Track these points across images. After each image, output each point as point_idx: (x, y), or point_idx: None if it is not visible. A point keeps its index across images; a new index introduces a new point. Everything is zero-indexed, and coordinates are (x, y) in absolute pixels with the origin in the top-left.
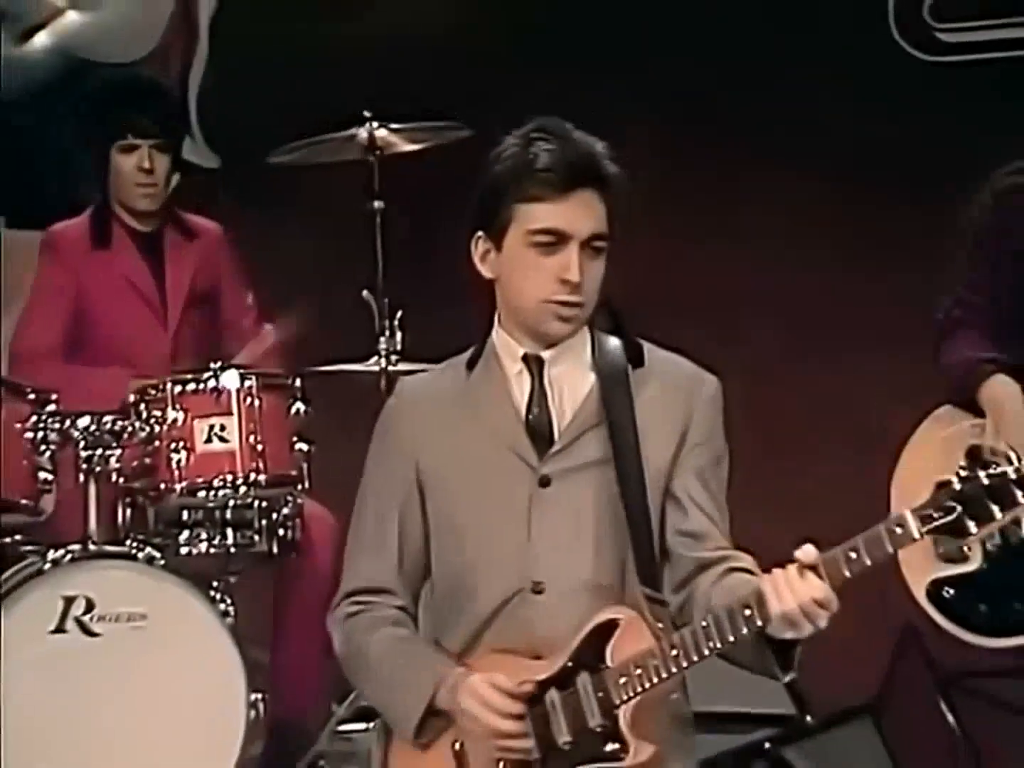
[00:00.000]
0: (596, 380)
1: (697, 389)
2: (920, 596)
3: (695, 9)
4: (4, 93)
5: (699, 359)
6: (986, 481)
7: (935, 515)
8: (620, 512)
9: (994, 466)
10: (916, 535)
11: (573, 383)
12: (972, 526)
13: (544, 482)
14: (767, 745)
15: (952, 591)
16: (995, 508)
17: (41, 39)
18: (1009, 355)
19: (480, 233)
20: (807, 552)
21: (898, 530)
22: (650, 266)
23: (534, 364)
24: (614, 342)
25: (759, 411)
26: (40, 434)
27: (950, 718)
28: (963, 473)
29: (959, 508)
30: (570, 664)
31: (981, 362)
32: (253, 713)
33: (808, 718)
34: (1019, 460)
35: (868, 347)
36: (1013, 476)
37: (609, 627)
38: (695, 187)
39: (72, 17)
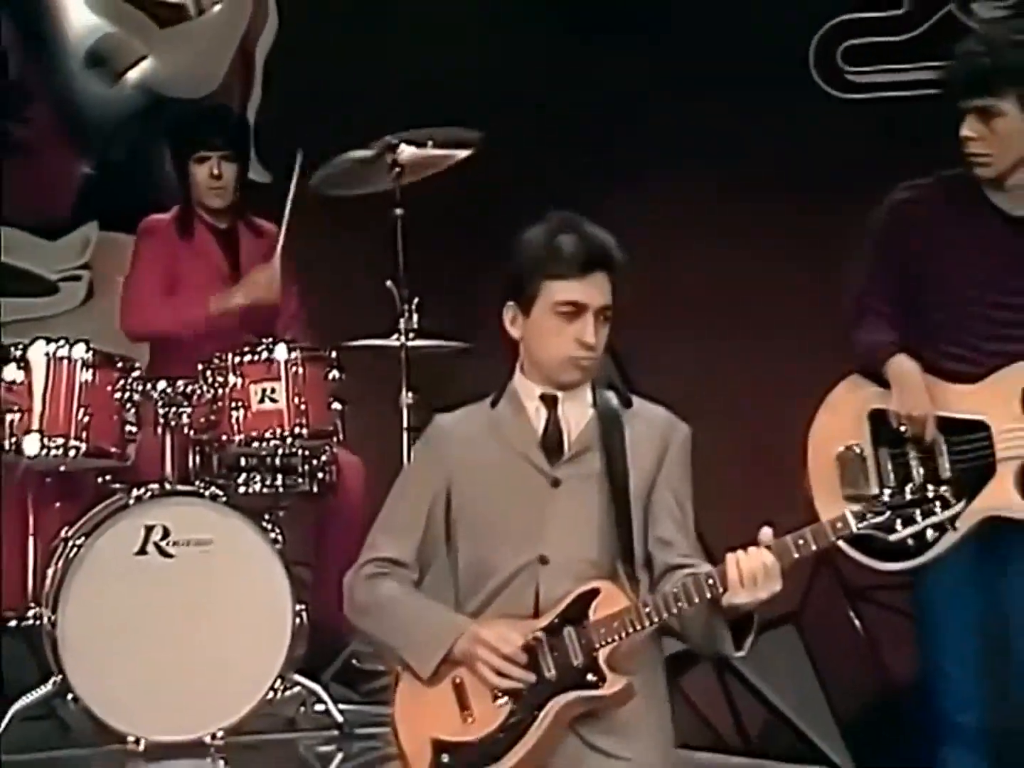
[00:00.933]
0: (595, 414)
1: (673, 431)
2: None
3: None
4: (100, 121)
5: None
6: (909, 496)
7: (869, 516)
8: (611, 511)
9: (915, 481)
10: (854, 530)
11: (578, 417)
12: (899, 525)
13: (555, 483)
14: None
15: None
16: (919, 516)
17: (128, 80)
18: (903, 337)
19: (511, 303)
20: (765, 533)
21: (839, 525)
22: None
23: (550, 401)
24: (610, 391)
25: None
26: (126, 395)
27: (857, 624)
28: (887, 481)
29: (889, 512)
30: (557, 620)
31: (886, 343)
32: (298, 620)
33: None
34: (924, 429)
35: (803, 324)
36: (931, 494)
37: (592, 593)
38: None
39: (151, 62)
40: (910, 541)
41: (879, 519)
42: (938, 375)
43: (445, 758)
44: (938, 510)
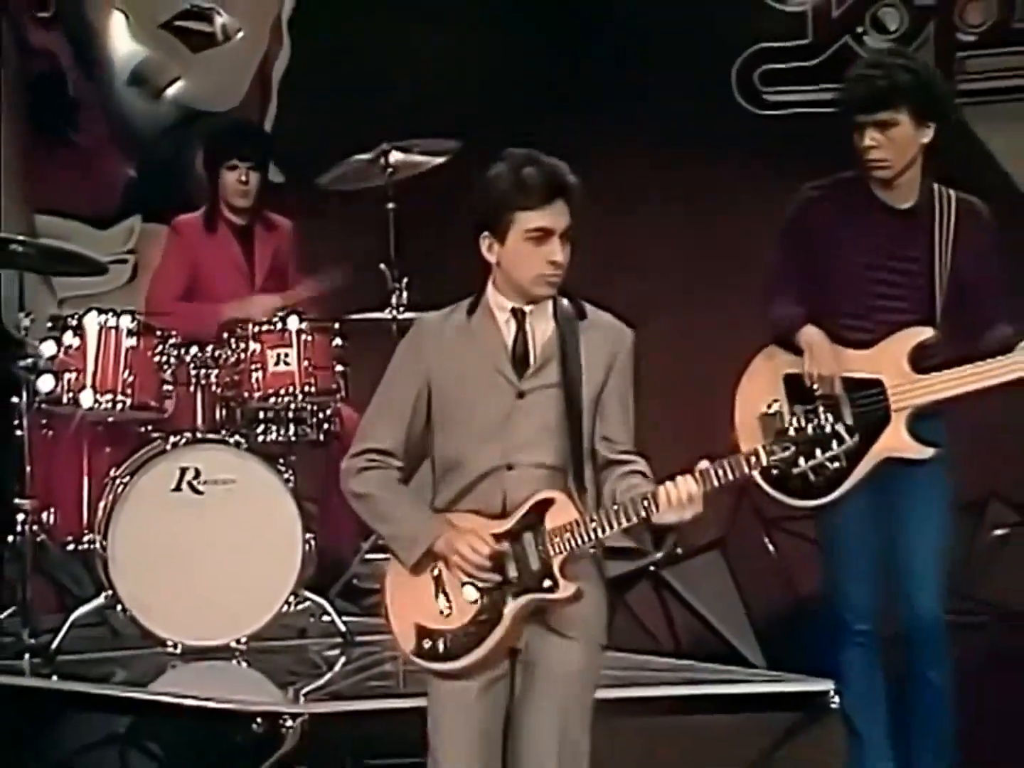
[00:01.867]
0: (555, 327)
1: (621, 337)
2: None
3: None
4: (142, 131)
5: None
6: (811, 433)
7: (777, 450)
8: (566, 420)
9: (817, 420)
10: (764, 463)
11: (542, 329)
12: (802, 461)
13: (520, 395)
14: (651, 568)
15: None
16: (818, 451)
17: (166, 96)
18: (810, 311)
19: (486, 233)
20: (702, 464)
21: (752, 459)
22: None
23: (519, 314)
24: (566, 302)
25: (662, 349)
26: (164, 358)
27: (771, 549)
28: (796, 425)
29: (793, 448)
30: (518, 526)
31: (796, 316)
32: (307, 547)
33: (679, 551)
34: (832, 386)
35: (730, 307)
36: (829, 431)
37: (548, 502)
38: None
39: (185, 81)
40: (811, 476)
41: (785, 454)
42: (838, 342)
43: (427, 643)
44: (834, 446)
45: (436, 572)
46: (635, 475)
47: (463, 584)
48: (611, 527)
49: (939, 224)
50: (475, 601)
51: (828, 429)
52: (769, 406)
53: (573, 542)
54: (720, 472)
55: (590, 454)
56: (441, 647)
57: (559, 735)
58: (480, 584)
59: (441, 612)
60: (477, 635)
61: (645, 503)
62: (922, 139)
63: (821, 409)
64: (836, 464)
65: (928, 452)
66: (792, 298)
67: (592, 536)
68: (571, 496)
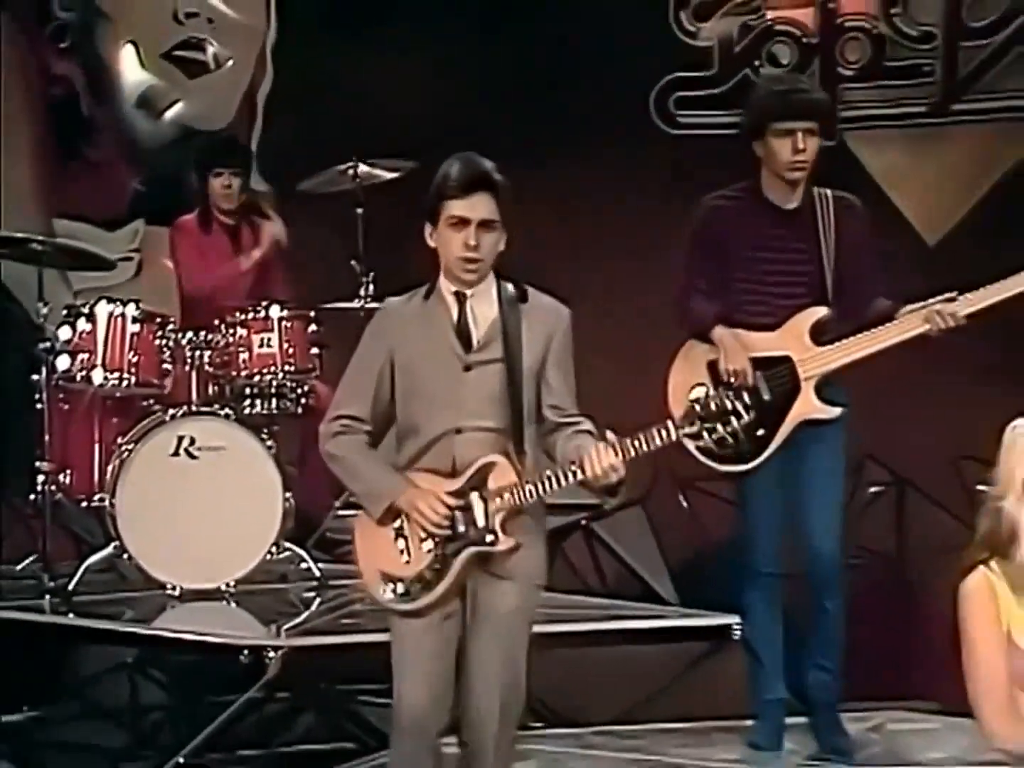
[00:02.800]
0: (498, 309)
1: (558, 317)
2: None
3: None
4: (145, 147)
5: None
6: (713, 407)
7: (684, 426)
8: (508, 391)
9: (719, 400)
10: (674, 437)
11: (484, 310)
12: (705, 435)
13: (467, 368)
14: (583, 522)
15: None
16: (719, 426)
17: (167, 116)
18: (721, 305)
19: (428, 223)
20: (611, 436)
21: (664, 432)
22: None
23: (461, 297)
24: (510, 287)
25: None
26: (163, 342)
27: (685, 505)
28: (700, 403)
29: (698, 424)
30: (466, 486)
31: (709, 316)
32: (287, 503)
33: (606, 506)
34: (746, 377)
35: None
36: (729, 408)
37: (490, 465)
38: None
39: (183, 104)
40: (714, 448)
41: (691, 428)
42: (748, 327)
43: (388, 586)
44: (733, 422)
45: (398, 524)
46: (582, 434)
47: (421, 536)
48: (546, 490)
49: (821, 219)
50: (430, 551)
51: (729, 407)
52: (693, 388)
53: (512, 501)
54: (636, 444)
55: (531, 419)
56: (400, 590)
57: (502, 663)
58: (437, 536)
59: (401, 559)
60: (430, 580)
61: (573, 470)
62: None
63: (731, 393)
64: (741, 435)
65: (836, 411)
66: (704, 295)
67: (528, 497)
68: (511, 459)
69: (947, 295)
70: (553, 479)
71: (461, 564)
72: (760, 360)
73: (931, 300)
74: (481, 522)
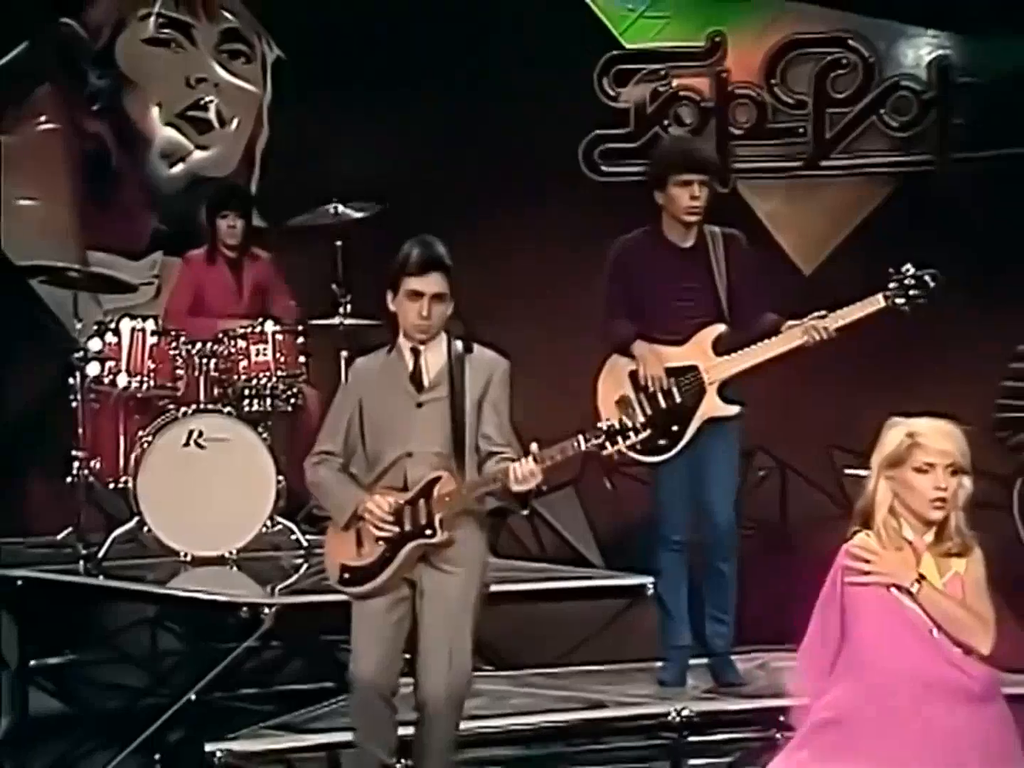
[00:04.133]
0: (446, 360)
1: (496, 365)
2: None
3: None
4: (163, 191)
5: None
6: (617, 425)
7: (591, 438)
8: (452, 424)
9: (625, 416)
10: (583, 448)
11: (435, 360)
12: (608, 445)
13: (419, 405)
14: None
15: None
16: (619, 439)
17: (180, 166)
18: (638, 327)
19: (389, 291)
20: (533, 447)
21: (575, 444)
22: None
23: (416, 351)
24: (459, 342)
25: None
26: (176, 351)
27: (609, 486)
28: (609, 424)
29: (603, 437)
30: (415, 495)
31: (629, 335)
32: (279, 486)
33: (544, 488)
34: (662, 383)
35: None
36: (630, 424)
37: (437, 479)
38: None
39: (197, 154)
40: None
41: (596, 441)
42: (661, 343)
43: (346, 575)
44: (632, 436)
45: (358, 528)
46: (505, 461)
47: (375, 536)
48: (477, 494)
49: (713, 253)
50: (381, 545)
51: (629, 426)
52: (621, 397)
53: (451, 504)
54: (553, 454)
55: (472, 448)
56: (355, 577)
57: (447, 643)
58: (386, 534)
59: (357, 553)
60: (379, 568)
61: (499, 478)
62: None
63: (660, 397)
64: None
65: (735, 410)
66: (623, 320)
67: (465, 501)
68: (453, 475)
69: (819, 313)
70: (483, 485)
71: (405, 555)
72: (672, 369)
73: (807, 317)
74: (423, 520)
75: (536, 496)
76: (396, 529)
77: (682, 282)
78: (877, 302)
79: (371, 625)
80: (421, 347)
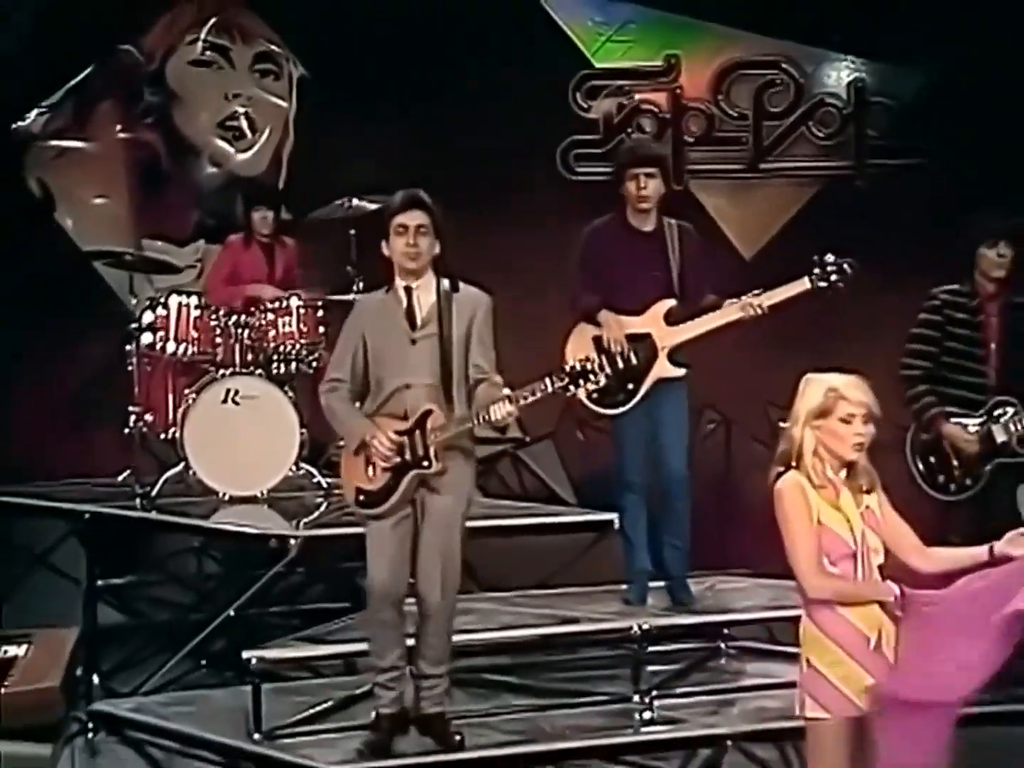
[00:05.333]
0: (435, 297)
1: (480, 301)
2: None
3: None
4: (206, 190)
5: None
6: (579, 368)
7: (557, 381)
8: (441, 358)
9: (581, 366)
10: (549, 389)
11: (425, 299)
12: (572, 387)
13: (413, 342)
14: (511, 450)
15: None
16: (581, 381)
17: (219, 168)
18: (602, 299)
19: (383, 241)
20: (506, 391)
21: (542, 386)
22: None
23: (408, 289)
24: (446, 282)
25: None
26: (216, 322)
27: (581, 437)
28: (571, 365)
29: (567, 380)
30: (411, 427)
31: (595, 304)
32: (302, 436)
33: (527, 439)
34: (622, 346)
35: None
36: (589, 369)
37: (428, 412)
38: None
39: (232, 159)
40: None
41: (561, 383)
42: (622, 313)
43: (361, 497)
44: (591, 379)
45: (367, 454)
46: (493, 386)
47: (381, 464)
48: (464, 427)
49: (669, 239)
50: (387, 473)
51: (589, 369)
52: (585, 358)
53: (443, 433)
54: (524, 395)
55: (461, 377)
56: (368, 500)
57: (441, 551)
58: (389, 464)
59: (368, 478)
60: (385, 494)
61: (482, 414)
62: (663, 191)
63: (618, 359)
64: (603, 389)
65: (682, 372)
66: (590, 293)
67: (458, 430)
68: (442, 408)
69: (755, 291)
70: (469, 420)
71: (406, 483)
72: (630, 336)
73: (745, 296)
74: (420, 451)
75: (519, 447)
76: (398, 460)
77: (641, 262)
78: (803, 284)
79: (381, 541)
80: (413, 286)
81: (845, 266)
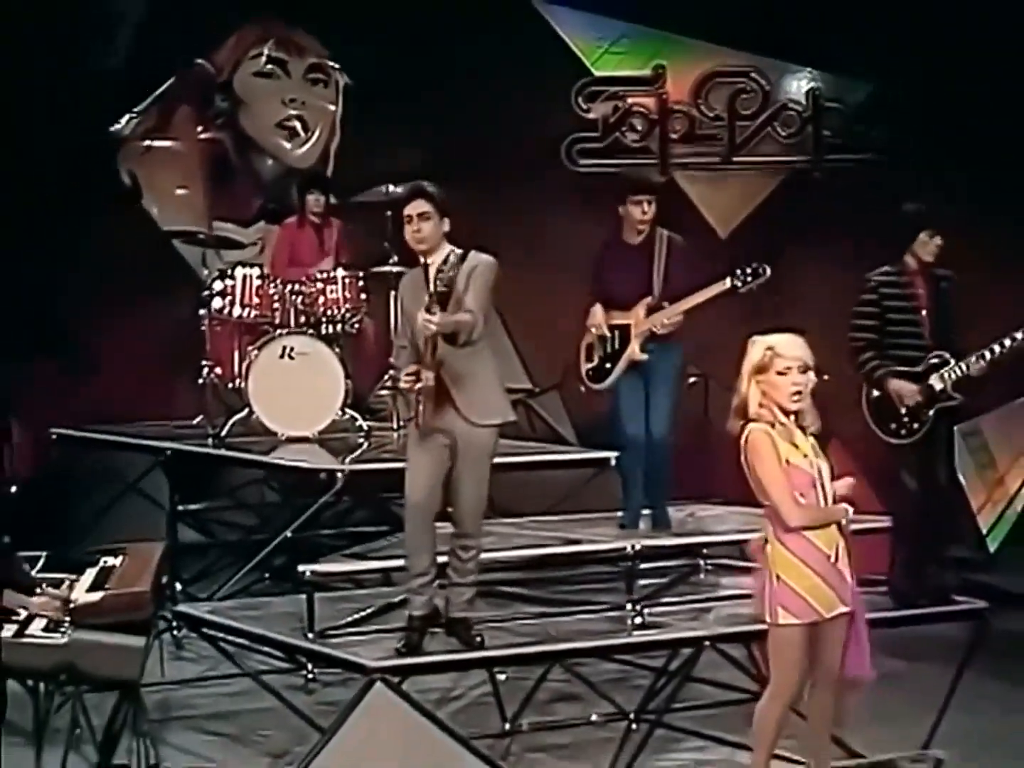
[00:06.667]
0: (450, 264)
1: (481, 259)
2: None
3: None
4: (268, 180)
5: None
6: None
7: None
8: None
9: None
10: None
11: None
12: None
13: (428, 306)
14: (526, 399)
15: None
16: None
17: (277, 161)
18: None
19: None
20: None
21: None
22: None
23: (426, 264)
24: (458, 249)
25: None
26: (274, 290)
27: (583, 389)
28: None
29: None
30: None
31: (592, 301)
32: (347, 385)
33: (537, 390)
34: (601, 329)
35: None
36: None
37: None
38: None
39: (289, 154)
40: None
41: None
42: (616, 307)
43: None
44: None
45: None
46: (465, 313)
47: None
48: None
49: (656, 249)
50: (420, 401)
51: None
52: (588, 343)
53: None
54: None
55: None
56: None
57: (473, 478)
58: (408, 385)
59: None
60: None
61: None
62: (655, 213)
63: (616, 341)
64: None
65: (644, 357)
66: (600, 289)
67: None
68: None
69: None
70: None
71: (424, 402)
72: (616, 325)
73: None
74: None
75: (530, 396)
76: (416, 383)
77: (630, 268)
78: (724, 284)
79: (419, 464)
80: (430, 262)
81: (761, 271)
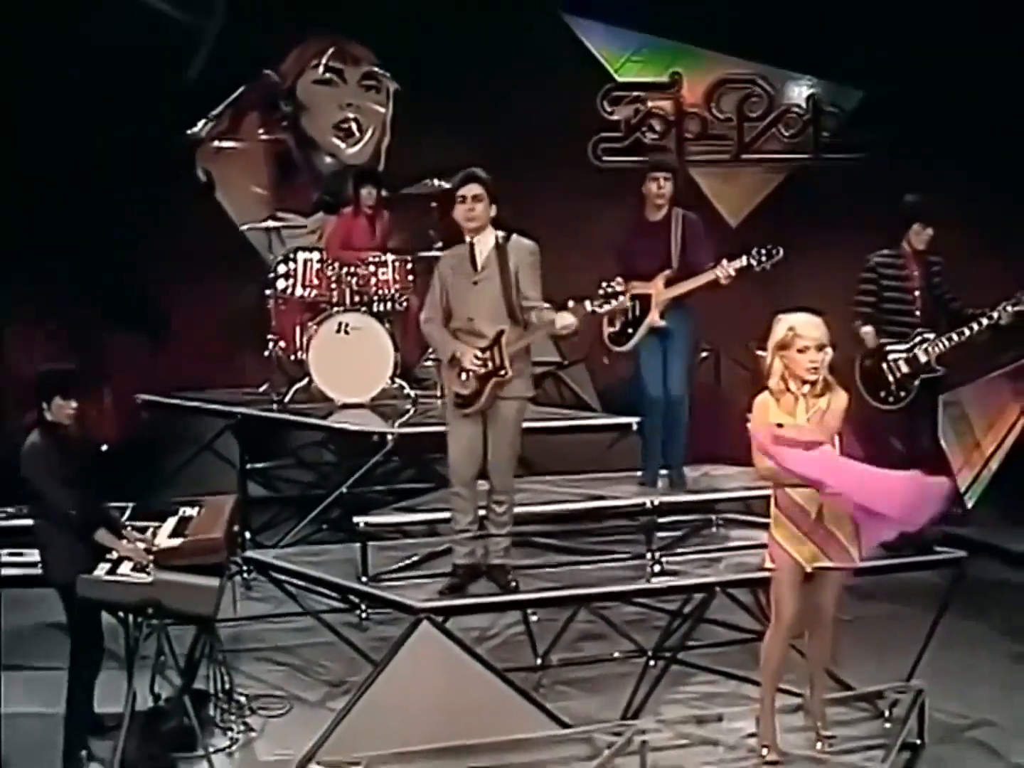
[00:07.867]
0: (493, 247)
1: (528, 247)
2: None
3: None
4: (324, 174)
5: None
6: (605, 307)
7: (596, 304)
8: (501, 293)
9: (610, 287)
10: (588, 310)
11: (485, 249)
12: (605, 306)
13: (475, 283)
14: (555, 371)
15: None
16: (611, 301)
17: (335, 159)
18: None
19: (454, 209)
20: (571, 304)
21: (587, 306)
22: None
23: (471, 243)
24: (502, 234)
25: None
26: (332, 272)
27: (606, 361)
28: (601, 291)
29: (602, 298)
30: (490, 345)
31: (616, 273)
32: (396, 357)
33: (565, 362)
34: (628, 302)
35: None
36: (611, 291)
37: (502, 331)
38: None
39: (346, 153)
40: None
41: (597, 303)
42: (638, 279)
43: (458, 400)
44: (614, 301)
45: (459, 368)
46: (545, 311)
47: (471, 371)
48: (534, 338)
49: (673, 226)
50: (472, 380)
51: (611, 292)
52: (608, 284)
53: (514, 346)
54: (579, 310)
55: (517, 308)
56: (462, 402)
57: (506, 442)
58: (477, 372)
59: (462, 384)
60: (474, 398)
61: (548, 323)
62: (673, 191)
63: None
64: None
65: (662, 323)
66: (623, 263)
67: (524, 343)
68: (511, 328)
69: (722, 263)
70: (539, 329)
71: (489, 388)
72: (638, 295)
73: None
74: (499, 362)
75: (559, 368)
76: (483, 368)
77: (651, 243)
78: (741, 262)
79: (460, 432)
80: (475, 241)
81: (775, 252)
